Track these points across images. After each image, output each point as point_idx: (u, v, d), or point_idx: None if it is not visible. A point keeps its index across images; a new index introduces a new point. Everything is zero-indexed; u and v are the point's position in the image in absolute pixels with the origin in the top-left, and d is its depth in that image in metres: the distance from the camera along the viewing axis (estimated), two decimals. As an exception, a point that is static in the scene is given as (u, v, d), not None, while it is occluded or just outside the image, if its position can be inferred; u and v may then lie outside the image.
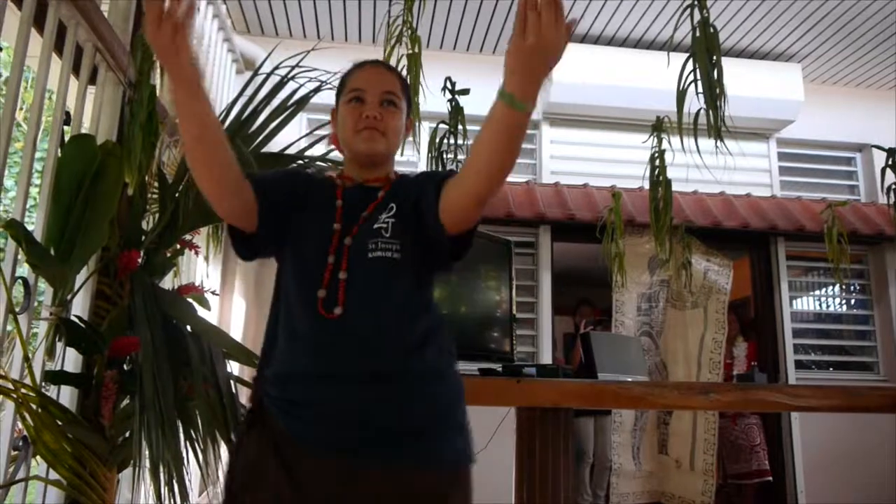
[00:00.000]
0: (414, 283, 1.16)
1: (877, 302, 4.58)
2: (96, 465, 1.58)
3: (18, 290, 1.64)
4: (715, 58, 1.90)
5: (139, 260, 1.78)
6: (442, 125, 2.57)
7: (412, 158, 3.56)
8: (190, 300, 1.88)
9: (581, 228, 3.93)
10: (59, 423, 1.52)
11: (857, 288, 4.73)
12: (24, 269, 1.66)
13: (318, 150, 2.23)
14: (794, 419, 4.25)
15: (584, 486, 4.27)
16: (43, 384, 1.66)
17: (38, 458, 1.57)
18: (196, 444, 1.67)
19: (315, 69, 2.13)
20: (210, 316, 2.14)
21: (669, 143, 2.46)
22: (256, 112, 2.08)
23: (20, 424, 1.50)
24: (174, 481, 1.52)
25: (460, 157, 2.53)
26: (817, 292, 5.04)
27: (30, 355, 1.55)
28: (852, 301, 4.83)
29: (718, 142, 1.86)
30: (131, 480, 1.99)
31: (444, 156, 2.55)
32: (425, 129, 3.19)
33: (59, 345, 1.65)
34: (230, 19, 3.86)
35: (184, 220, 1.88)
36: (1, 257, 2.23)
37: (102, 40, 1.87)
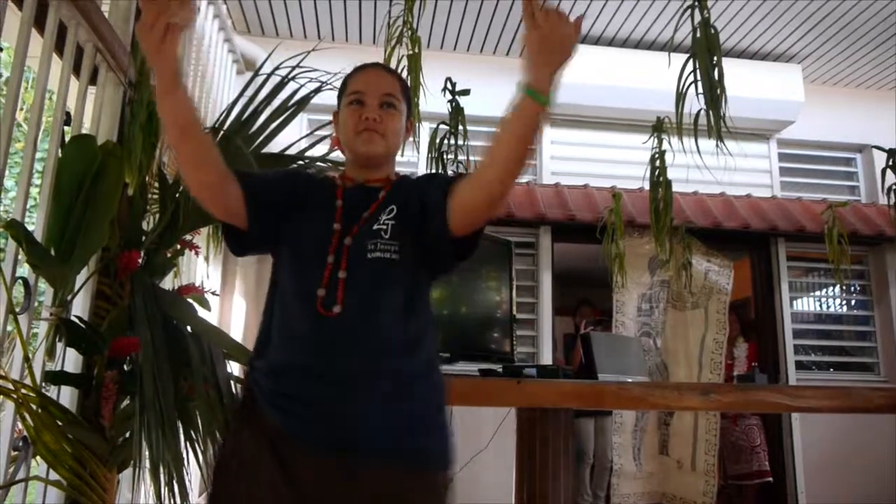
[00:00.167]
0: (411, 285, 1.17)
1: (877, 303, 4.57)
2: (96, 466, 1.58)
3: (19, 291, 1.64)
4: (715, 58, 1.89)
5: (139, 260, 1.78)
6: (442, 126, 2.57)
7: (412, 159, 3.56)
8: (190, 300, 1.88)
9: (581, 229, 3.93)
10: (60, 423, 1.52)
11: (858, 289, 4.72)
12: (24, 270, 1.66)
13: (319, 150, 2.23)
14: (795, 420, 4.24)
15: (584, 487, 4.27)
16: (43, 384, 1.66)
17: (38, 458, 1.57)
18: (196, 445, 1.68)
19: (315, 70, 2.13)
20: (210, 316, 2.14)
21: (670, 143, 2.46)
22: (257, 112, 2.08)
23: (20, 425, 1.50)
24: (174, 482, 1.52)
25: (460, 157, 2.53)
26: (818, 293, 5.03)
27: (30, 356, 1.55)
28: (853, 302, 4.82)
29: (719, 142, 1.86)
30: (131, 481, 1.99)
31: (445, 156, 2.55)
32: (425, 129, 3.20)
33: (60, 345, 1.65)
34: (231, 19, 3.86)
35: (184, 220, 1.88)
36: (1, 257, 2.22)
37: (103, 40, 1.87)
